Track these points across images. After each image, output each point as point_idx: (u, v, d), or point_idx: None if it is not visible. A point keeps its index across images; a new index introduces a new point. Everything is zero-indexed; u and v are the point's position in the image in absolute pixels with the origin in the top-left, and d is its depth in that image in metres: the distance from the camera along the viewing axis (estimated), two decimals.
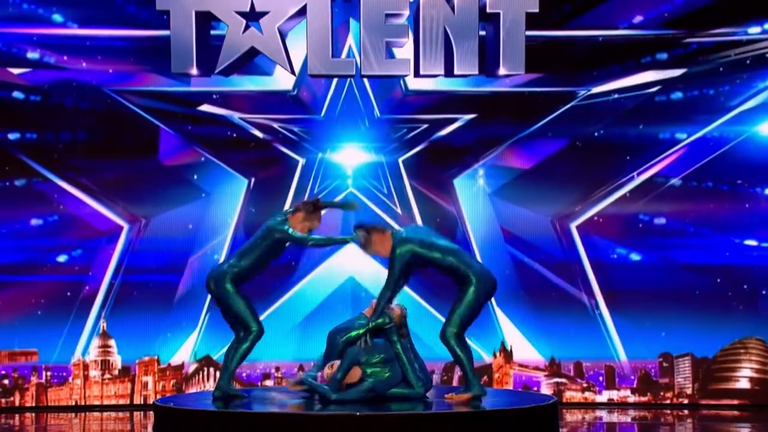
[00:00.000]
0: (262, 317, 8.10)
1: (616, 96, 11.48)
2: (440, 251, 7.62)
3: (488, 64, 10.61)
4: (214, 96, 11.51)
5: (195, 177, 11.62)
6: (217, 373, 10.66)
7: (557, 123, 11.56)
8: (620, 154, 11.57)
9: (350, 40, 11.44)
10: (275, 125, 11.61)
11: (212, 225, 11.63)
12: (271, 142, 11.66)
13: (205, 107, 11.56)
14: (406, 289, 9.11)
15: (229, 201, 11.65)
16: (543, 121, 11.55)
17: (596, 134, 11.55)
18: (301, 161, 11.68)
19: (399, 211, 11.53)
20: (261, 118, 11.63)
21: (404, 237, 7.66)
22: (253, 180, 11.68)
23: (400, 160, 11.68)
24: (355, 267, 11.55)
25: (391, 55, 10.70)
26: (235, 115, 11.56)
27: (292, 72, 10.91)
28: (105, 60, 11.45)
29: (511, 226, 11.63)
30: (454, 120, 11.61)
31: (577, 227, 11.59)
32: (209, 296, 10.71)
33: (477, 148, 11.61)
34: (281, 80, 11.48)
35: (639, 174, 11.53)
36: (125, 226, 11.57)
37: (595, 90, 11.50)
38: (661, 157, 11.53)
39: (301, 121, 11.62)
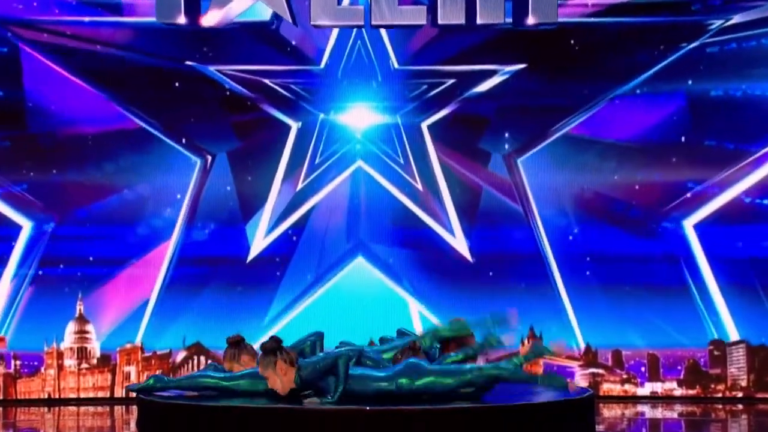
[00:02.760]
0: None
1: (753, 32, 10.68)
2: None
3: (515, 10, 10.43)
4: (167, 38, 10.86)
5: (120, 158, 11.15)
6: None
7: (665, 75, 10.90)
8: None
9: None
10: (267, 81, 11.05)
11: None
12: (256, 103, 11.08)
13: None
14: None
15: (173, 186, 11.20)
16: (647, 74, 10.93)
17: (713, 93, 10.90)
18: (295, 125, 11.33)
19: (419, 186, 11.22)
20: (242, 70, 11.01)
21: None
22: (210, 159, 11.13)
23: (424, 125, 11.20)
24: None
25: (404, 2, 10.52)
26: (210, 67, 10.99)
27: (295, 23, 10.74)
28: None
29: (589, 213, 11.24)
30: (495, 72, 11.06)
31: (693, 225, 11.15)
32: None
33: (534, 113, 11.03)
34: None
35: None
36: (28, 224, 11.21)
37: (737, 20, 10.69)
38: None
39: (296, 74, 11.10)
